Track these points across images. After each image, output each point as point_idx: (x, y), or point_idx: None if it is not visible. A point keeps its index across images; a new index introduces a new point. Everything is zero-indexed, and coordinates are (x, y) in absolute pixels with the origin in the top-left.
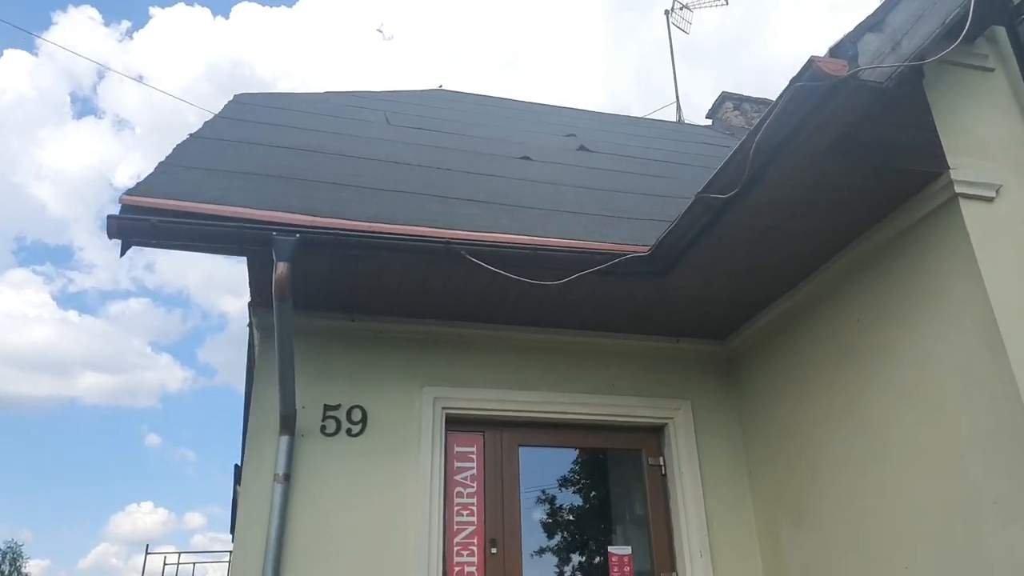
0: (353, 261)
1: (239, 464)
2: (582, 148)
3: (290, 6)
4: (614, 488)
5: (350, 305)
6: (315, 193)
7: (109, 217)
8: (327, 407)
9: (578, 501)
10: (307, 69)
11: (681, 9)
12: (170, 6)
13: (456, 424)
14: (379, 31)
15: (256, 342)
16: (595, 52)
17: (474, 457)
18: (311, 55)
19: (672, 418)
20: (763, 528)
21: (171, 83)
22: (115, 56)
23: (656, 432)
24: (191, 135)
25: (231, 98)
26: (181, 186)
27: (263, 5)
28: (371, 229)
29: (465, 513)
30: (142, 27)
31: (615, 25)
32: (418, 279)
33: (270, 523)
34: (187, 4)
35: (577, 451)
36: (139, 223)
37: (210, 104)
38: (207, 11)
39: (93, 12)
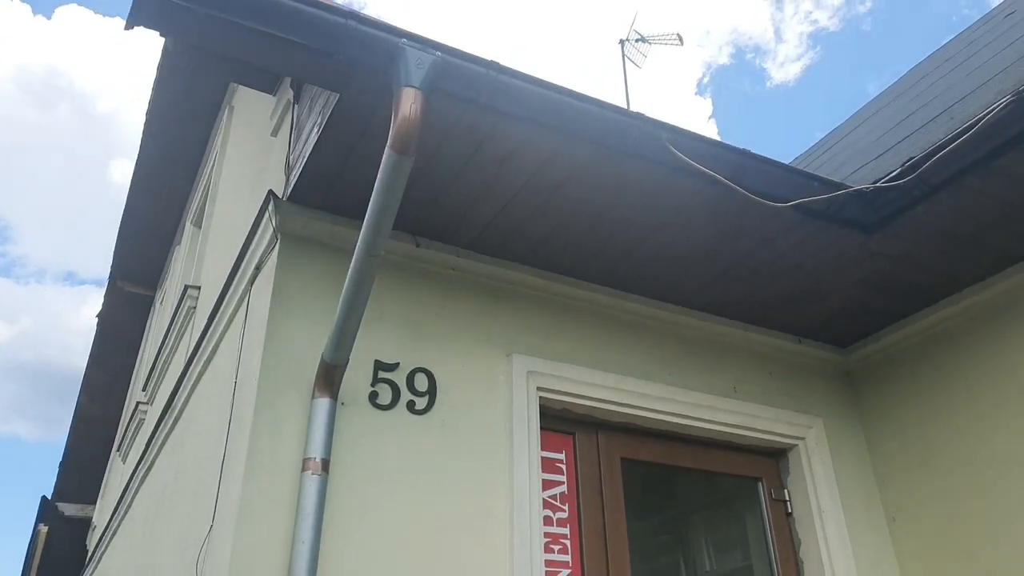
0: (486, 129)
1: (48, 496)
2: None
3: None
4: (726, 526)
5: (420, 222)
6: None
7: None
8: (380, 366)
9: (683, 540)
10: (133, 89)
11: (637, 41)
12: None
13: (546, 418)
14: None
15: (270, 254)
16: None
17: (563, 468)
18: (142, 76)
19: (803, 439)
20: None
21: None
22: None
23: (775, 457)
24: None
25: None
26: None
27: (95, 11)
28: (538, 79)
29: (556, 549)
30: None
31: None
32: (547, 188)
33: (297, 537)
34: None
35: (680, 472)
36: None
37: (17, 110)
38: (27, 8)
39: None
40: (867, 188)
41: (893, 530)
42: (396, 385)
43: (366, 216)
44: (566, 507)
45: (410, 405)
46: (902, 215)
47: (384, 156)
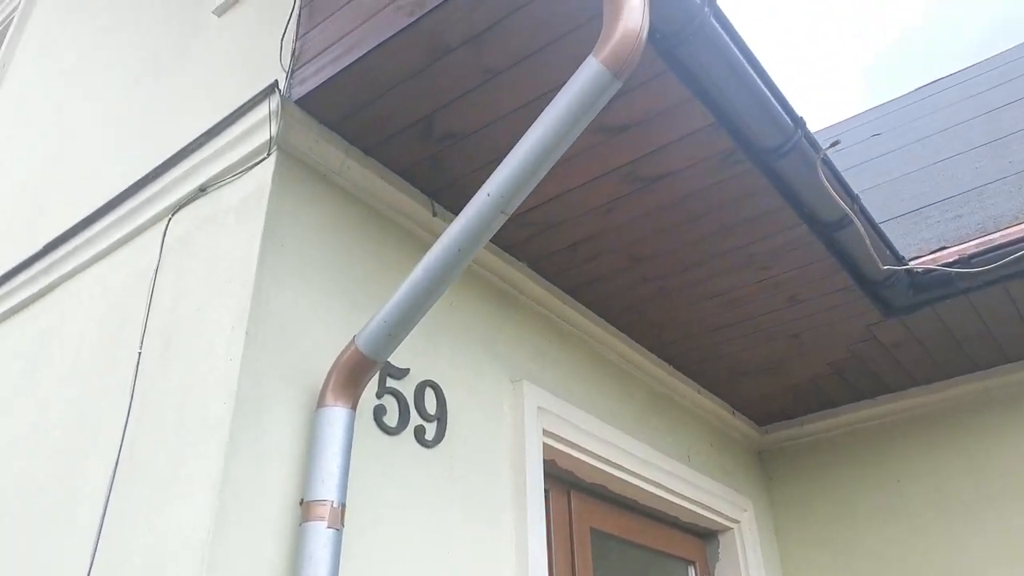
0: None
1: None
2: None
3: None
4: None
5: (435, 176)
6: None
7: None
8: (389, 370)
9: None
10: None
11: None
12: None
13: None
14: None
15: (247, 174)
16: None
17: None
18: None
19: (739, 521)
20: None
21: None
22: None
23: (705, 539)
24: None
25: None
26: None
27: None
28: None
29: None
30: None
31: None
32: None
33: None
34: None
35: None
36: None
37: None
38: None
39: None
40: (919, 269)
41: None
42: (404, 401)
43: (520, 146)
44: None
45: (418, 432)
46: (929, 305)
47: (586, 65)
